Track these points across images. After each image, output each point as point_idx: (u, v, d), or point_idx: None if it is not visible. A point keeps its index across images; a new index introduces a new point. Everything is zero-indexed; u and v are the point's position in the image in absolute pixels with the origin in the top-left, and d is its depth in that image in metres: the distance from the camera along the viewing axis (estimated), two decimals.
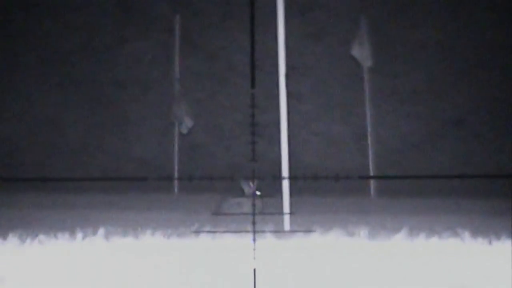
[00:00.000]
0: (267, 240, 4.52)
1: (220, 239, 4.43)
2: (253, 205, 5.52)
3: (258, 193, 6.29)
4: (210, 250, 4.03)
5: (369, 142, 9.81)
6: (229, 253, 3.90)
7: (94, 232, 4.58)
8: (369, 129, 9.83)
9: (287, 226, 5.38)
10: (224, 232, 4.83)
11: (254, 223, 4.08)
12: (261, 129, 12.53)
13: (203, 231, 4.80)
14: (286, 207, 5.40)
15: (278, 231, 4.96)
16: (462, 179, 11.77)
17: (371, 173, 9.69)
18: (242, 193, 7.12)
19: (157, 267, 3.73)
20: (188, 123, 10.16)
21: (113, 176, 12.46)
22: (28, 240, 4.23)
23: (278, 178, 5.49)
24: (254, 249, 3.64)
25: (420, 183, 11.90)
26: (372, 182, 9.62)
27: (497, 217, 6.56)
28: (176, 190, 10.49)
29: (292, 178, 5.48)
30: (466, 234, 4.51)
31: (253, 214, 4.17)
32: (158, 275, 3.62)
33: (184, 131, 10.26)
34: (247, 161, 12.64)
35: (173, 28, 10.91)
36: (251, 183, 6.75)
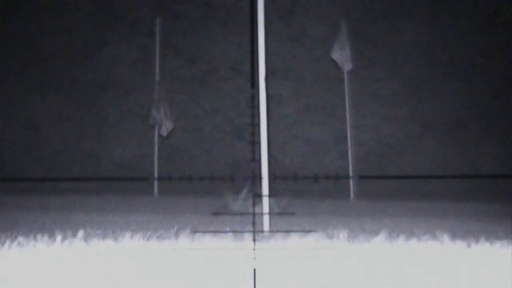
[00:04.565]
0: (267, 240, 4.53)
1: (220, 239, 4.43)
2: (253, 205, 5.52)
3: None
4: (209, 250, 4.02)
5: (349, 144, 9.83)
6: (229, 253, 3.90)
7: (74, 235, 4.56)
8: (349, 132, 9.86)
9: (266, 226, 5.39)
10: (224, 232, 4.83)
11: (254, 223, 4.08)
12: (243, 131, 12.57)
13: (202, 231, 4.79)
14: (266, 208, 5.41)
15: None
16: (440, 182, 11.83)
17: (351, 175, 9.73)
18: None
19: (152, 269, 3.72)
20: (168, 125, 10.16)
21: (93, 177, 12.44)
22: (8, 243, 4.20)
23: (259, 179, 5.50)
24: (254, 249, 3.64)
25: (399, 185, 11.96)
26: (351, 185, 9.65)
27: (476, 220, 6.60)
28: (155, 192, 10.47)
29: (273, 179, 5.50)
30: (445, 237, 4.53)
31: (253, 214, 4.17)
32: (154, 277, 3.61)
33: (164, 133, 10.25)
34: (226, 163, 12.66)
35: (153, 31, 10.90)
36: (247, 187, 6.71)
